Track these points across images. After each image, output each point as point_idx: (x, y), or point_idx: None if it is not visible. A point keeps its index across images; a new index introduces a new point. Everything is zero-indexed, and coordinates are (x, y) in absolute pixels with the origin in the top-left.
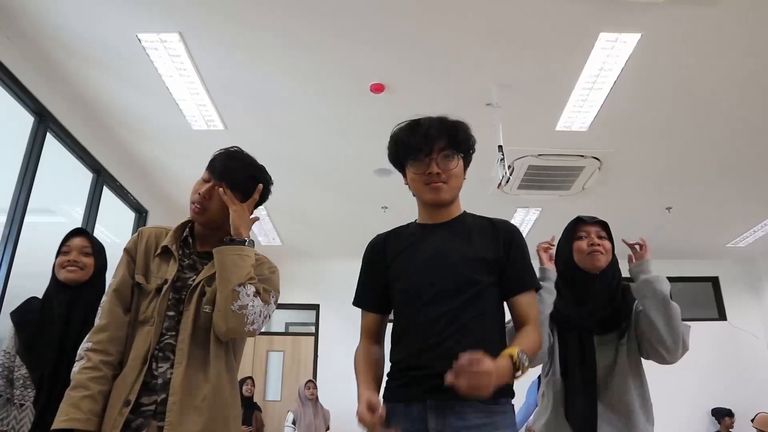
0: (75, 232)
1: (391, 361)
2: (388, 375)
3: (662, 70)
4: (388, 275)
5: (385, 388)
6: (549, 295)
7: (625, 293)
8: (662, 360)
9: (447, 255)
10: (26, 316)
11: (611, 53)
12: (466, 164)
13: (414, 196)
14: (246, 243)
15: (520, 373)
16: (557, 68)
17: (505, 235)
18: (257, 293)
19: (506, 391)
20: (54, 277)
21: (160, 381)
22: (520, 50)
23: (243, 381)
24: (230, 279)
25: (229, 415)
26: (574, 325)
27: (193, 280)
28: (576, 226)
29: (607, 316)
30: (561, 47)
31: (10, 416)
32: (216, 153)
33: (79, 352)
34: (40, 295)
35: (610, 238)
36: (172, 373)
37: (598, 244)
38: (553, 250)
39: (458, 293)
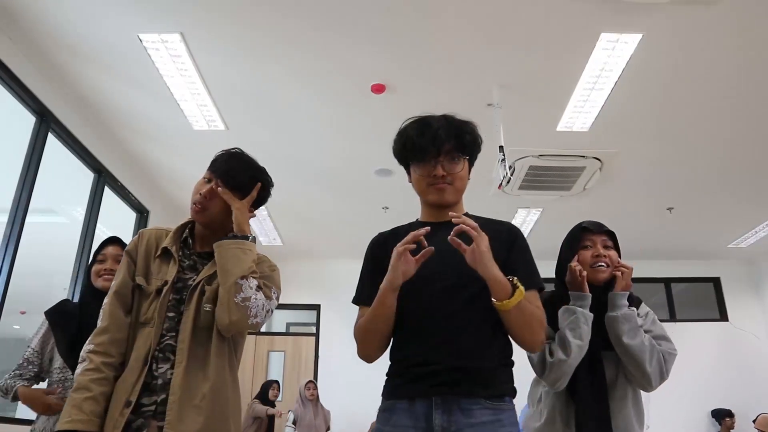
0: (109, 241)
1: (392, 359)
2: (388, 374)
3: (663, 70)
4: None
5: (386, 386)
6: (591, 322)
7: (631, 304)
8: (640, 388)
9: (453, 251)
10: (60, 317)
11: (612, 54)
12: (471, 165)
13: (418, 195)
14: (249, 239)
15: (513, 297)
16: (558, 69)
17: (509, 236)
18: (259, 287)
19: (510, 391)
20: (90, 284)
21: (160, 381)
22: (522, 51)
23: (269, 385)
24: (232, 271)
25: (229, 413)
26: None
27: (194, 281)
28: (581, 235)
29: (607, 334)
30: (562, 48)
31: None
32: (218, 154)
33: (81, 354)
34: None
35: (617, 248)
36: (172, 373)
37: (605, 256)
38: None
39: (465, 288)
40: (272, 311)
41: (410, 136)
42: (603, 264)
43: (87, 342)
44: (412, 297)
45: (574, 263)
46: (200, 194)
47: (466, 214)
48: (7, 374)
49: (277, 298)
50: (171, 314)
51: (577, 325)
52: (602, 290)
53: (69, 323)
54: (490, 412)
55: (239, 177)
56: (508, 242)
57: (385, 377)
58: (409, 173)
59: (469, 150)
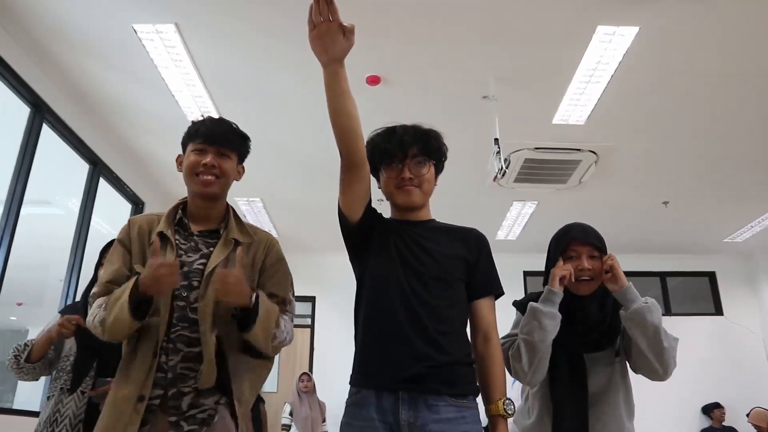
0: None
1: (360, 347)
2: (356, 361)
3: (660, 63)
4: (368, 247)
5: (354, 374)
6: (550, 320)
7: (617, 309)
8: (652, 379)
9: (424, 246)
10: (73, 312)
11: (609, 47)
12: (438, 171)
13: (387, 199)
14: (253, 303)
15: (511, 412)
16: (554, 61)
17: (476, 242)
18: (277, 303)
19: (473, 390)
20: None
21: (169, 375)
22: (518, 43)
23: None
24: (264, 342)
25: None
26: (562, 345)
27: (202, 264)
28: (567, 244)
29: (597, 337)
30: (558, 40)
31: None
32: (193, 126)
33: (93, 308)
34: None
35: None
36: (182, 367)
37: (589, 269)
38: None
39: (435, 281)
40: (294, 314)
41: (377, 143)
42: (587, 277)
43: (94, 306)
44: (384, 287)
45: (558, 272)
46: (205, 165)
47: (433, 220)
48: (11, 349)
49: (294, 293)
50: (181, 303)
51: (528, 320)
52: (588, 299)
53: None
54: (455, 409)
55: (234, 140)
56: (476, 246)
57: (353, 364)
58: (378, 179)
59: (434, 154)
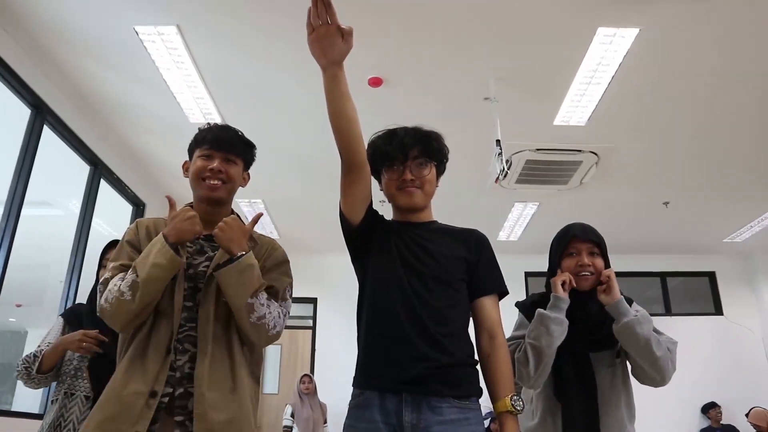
0: (111, 245)
1: (363, 348)
2: (359, 363)
3: (660, 65)
4: (369, 248)
5: (357, 376)
6: (557, 326)
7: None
8: (652, 386)
9: (425, 248)
10: (75, 316)
11: (609, 48)
12: (440, 173)
13: (389, 201)
14: (242, 256)
15: (519, 409)
16: (555, 63)
17: (476, 242)
18: (271, 296)
19: (476, 391)
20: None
21: (177, 374)
22: (519, 44)
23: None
24: (238, 298)
25: (252, 405)
26: (565, 345)
27: (206, 267)
28: (567, 242)
29: (600, 337)
30: (559, 42)
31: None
32: (200, 133)
33: (109, 287)
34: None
35: (604, 254)
36: (190, 367)
37: (589, 265)
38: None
39: (437, 282)
40: (289, 312)
41: (378, 146)
42: (587, 273)
43: (109, 285)
44: (385, 289)
45: (558, 279)
46: (212, 170)
47: (434, 222)
48: (20, 360)
49: (291, 294)
50: (189, 304)
51: (535, 326)
52: (589, 296)
53: (83, 321)
54: (458, 411)
55: (240, 146)
56: (476, 245)
57: (356, 366)
58: (379, 181)
59: (436, 156)
